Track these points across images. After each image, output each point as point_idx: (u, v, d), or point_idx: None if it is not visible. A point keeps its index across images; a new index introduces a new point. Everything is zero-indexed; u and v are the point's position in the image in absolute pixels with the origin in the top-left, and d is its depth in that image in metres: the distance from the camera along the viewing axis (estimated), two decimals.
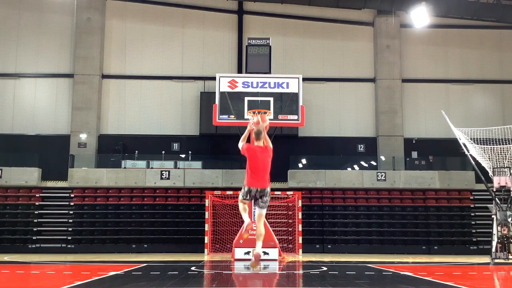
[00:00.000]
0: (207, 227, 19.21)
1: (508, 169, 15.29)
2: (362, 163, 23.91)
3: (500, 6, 23.15)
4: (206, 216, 19.32)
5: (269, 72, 18.54)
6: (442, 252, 21.50)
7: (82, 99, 23.84)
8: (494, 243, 14.82)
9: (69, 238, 21.66)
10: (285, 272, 10.90)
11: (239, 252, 16.25)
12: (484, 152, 15.54)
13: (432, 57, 25.38)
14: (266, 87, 17.85)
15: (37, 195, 22.30)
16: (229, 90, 17.76)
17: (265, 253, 16.16)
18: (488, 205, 16.08)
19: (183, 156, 23.32)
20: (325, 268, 11.39)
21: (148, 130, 24.22)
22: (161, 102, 24.52)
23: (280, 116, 17.56)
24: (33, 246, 21.42)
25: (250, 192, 8.37)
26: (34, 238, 21.60)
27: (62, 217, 21.93)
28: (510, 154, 15.26)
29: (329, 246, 21.96)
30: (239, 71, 24.08)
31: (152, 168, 22.54)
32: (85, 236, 21.85)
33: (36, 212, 21.98)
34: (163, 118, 24.39)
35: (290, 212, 19.61)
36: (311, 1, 23.48)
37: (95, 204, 22.26)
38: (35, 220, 21.88)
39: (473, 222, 22.38)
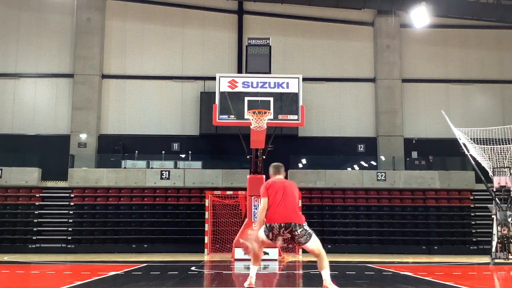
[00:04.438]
0: (207, 227, 19.20)
1: (508, 169, 15.27)
2: (362, 163, 23.92)
3: (500, 6, 23.14)
4: (206, 216, 19.31)
5: (269, 72, 18.48)
6: (442, 252, 21.48)
7: (82, 99, 23.85)
8: (494, 243, 14.80)
9: (69, 238, 21.66)
10: (285, 272, 10.90)
11: (239, 252, 16.23)
12: (484, 152, 15.52)
13: (432, 57, 25.38)
14: (266, 87, 17.80)
15: (37, 195, 22.30)
16: (229, 90, 17.72)
17: (265, 253, 16.15)
18: (488, 205, 16.05)
19: (183, 156, 23.32)
20: None
21: (148, 130, 24.23)
22: (161, 102, 24.53)
23: (280, 116, 17.50)
24: (33, 246, 21.41)
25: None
26: (34, 238, 21.59)
27: (62, 217, 21.92)
28: (510, 154, 15.25)
29: (329, 246, 21.89)
30: (239, 71, 24.07)
31: (152, 168, 22.55)
32: (85, 236, 21.85)
33: (36, 212, 21.98)
34: (163, 118, 24.39)
35: None
36: (311, 1, 23.48)
37: (95, 204, 22.26)
38: (35, 220, 21.87)
39: (473, 222, 22.38)
